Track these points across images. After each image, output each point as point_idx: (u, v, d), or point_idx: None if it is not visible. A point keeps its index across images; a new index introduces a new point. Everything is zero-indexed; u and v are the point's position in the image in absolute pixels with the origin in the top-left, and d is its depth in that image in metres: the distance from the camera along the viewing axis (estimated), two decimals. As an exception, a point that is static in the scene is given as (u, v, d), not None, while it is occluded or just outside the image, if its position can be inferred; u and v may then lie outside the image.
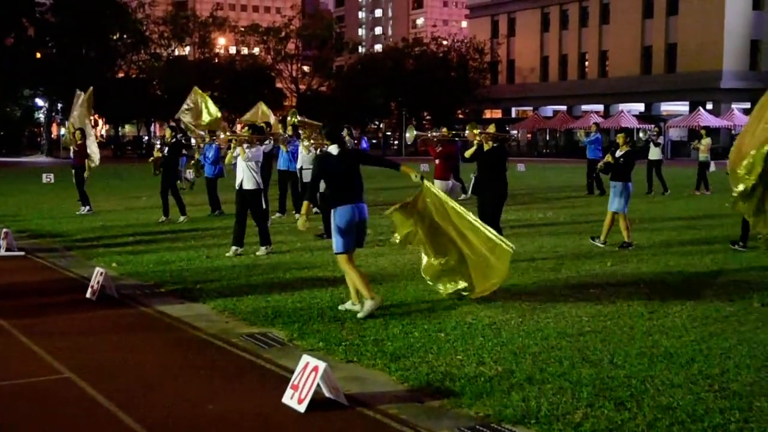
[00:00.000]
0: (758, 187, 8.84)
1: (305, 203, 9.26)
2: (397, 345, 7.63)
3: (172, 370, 7.10)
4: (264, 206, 13.74)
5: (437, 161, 15.44)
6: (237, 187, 13.31)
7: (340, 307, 9.20)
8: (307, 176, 17.34)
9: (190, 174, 27.24)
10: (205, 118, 21.98)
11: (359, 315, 8.82)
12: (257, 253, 13.15)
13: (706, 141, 26.05)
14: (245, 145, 13.23)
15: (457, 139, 12.70)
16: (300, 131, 17.18)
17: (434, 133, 12.07)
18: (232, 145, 13.73)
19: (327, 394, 6.16)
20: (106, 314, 9.20)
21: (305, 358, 6.20)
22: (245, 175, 13.21)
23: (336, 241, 9.07)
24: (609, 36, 72.56)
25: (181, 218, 17.82)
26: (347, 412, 5.98)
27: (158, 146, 20.52)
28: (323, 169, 9.24)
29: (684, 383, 6.39)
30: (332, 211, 9.10)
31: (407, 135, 15.12)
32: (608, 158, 13.98)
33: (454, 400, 6.14)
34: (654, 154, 25.51)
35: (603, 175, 14.82)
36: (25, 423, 5.84)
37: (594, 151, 25.13)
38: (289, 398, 6.10)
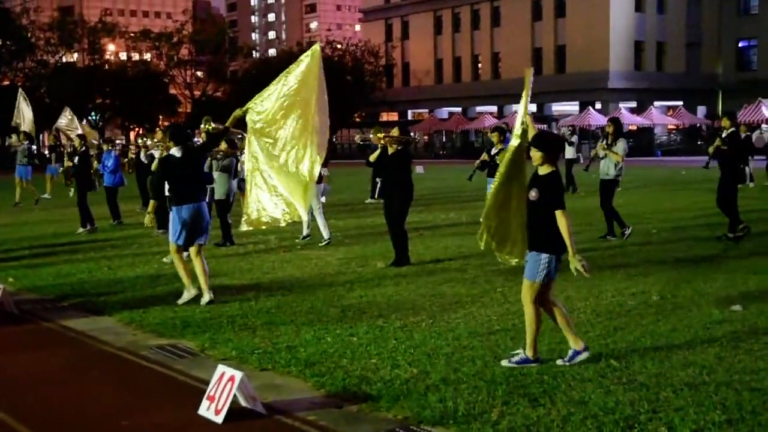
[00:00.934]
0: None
1: (152, 202, 10.26)
2: (310, 351, 7.62)
3: (80, 387, 6.91)
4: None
5: None
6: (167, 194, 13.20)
7: (179, 302, 9.86)
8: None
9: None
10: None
11: (178, 301, 9.83)
12: (164, 260, 12.99)
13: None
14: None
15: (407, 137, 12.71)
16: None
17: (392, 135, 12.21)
18: (159, 152, 13.54)
19: (244, 403, 6.10)
20: (6, 331, 8.89)
21: (221, 368, 6.13)
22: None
23: (173, 234, 9.86)
24: (500, 38, 74.03)
25: (80, 230, 17.35)
26: (266, 420, 5.94)
27: (66, 156, 19.79)
28: (166, 171, 10.00)
29: (594, 377, 6.57)
30: (174, 207, 9.80)
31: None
32: (484, 156, 14.61)
33: (372, 404, 6.15)
34: (569, 153, 25.90)
35: (480, 172, 15.12)
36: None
37: None
38: (206, 410, 6.02)
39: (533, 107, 70.20)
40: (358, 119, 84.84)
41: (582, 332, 7.98)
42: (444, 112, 78.87)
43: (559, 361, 7.01)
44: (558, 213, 6.76)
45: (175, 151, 9.86)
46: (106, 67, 79.94)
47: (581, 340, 7.14)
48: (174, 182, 9.90)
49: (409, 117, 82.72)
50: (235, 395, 5.94)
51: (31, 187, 25.36)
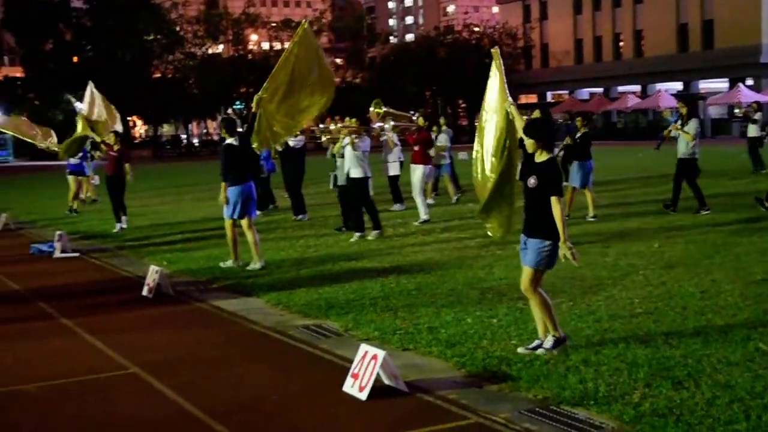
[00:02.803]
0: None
1: (223, 184, 11.48)
2: (450, 332, 7.74)
3: (232, 363, 7.28)
4: (370, 193, 14.36)
5: (416, 147, 16.06)
6: (346, 176, 14.11)
7: (221, 264, 11.92)
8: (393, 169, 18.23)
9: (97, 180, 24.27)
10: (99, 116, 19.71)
11: (221, 264, 11.91)
12: (368, 237, 13.83)
13: None
14: (354, 136, 13.84)
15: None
16: (385, 123, 17.14)
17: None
18: (341, 136, 14.34)
19: (386, 381, 6.28)
20: (164, 311, 9.43)
21: (363, 347, 6.33)
22: (352, 164, 13.83)
23: (228, 210, 11.58)
24: (643, 15, 71.70)
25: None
26: (408, 398, 6.10)
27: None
28: (230, 158, 11.56)
29: (741, 361, 6.41)
30: (231, 187, 11.46)
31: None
32: (567, 140, 15.23)
33: (512, 384, 6.22)
34: (751, 131, 24.81)
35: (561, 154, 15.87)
36: (98, 416, 6.05)
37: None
38: (350, 387, 6.24)
39: (678, 85, 67.95)
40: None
41: (729, 316, 7.81)
42: (584, 92, 77.17)
43: (521, 349, 6.99)
44: (553, 200, 6.80)
45: (233, 141, 11.62)
46: (250, 57, 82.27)
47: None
48: (233, 166, 11.52)
49: (548, 98, 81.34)
50: (378, 373, 6.13)
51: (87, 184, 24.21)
